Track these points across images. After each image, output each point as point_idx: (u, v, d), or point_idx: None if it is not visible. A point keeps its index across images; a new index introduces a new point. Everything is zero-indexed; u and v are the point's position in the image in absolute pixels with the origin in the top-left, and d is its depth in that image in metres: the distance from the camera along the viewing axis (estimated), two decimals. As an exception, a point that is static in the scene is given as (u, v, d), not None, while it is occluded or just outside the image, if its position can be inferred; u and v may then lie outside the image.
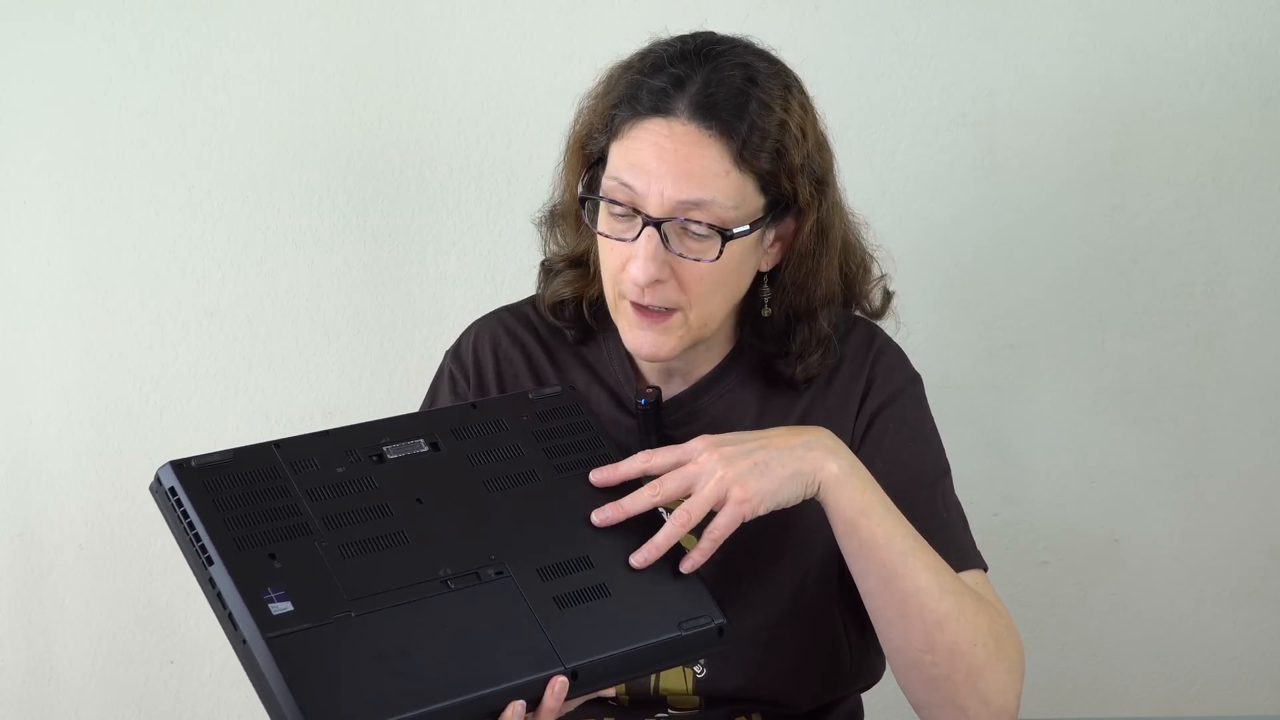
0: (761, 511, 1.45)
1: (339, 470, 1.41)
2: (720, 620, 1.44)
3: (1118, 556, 2.24)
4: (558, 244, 1.71)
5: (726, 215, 1.52)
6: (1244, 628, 2.24)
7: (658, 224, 1.52)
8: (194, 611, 2.26)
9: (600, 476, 1.48)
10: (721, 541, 1.45)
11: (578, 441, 1.53)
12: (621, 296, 1.57)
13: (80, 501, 2.25)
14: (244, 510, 1.35)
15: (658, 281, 1.53)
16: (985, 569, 1.62)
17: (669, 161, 1.51)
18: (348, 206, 2.22)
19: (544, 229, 1.72)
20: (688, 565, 1.45)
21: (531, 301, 1.75)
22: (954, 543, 1.60)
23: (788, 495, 1.46)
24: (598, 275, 1.64)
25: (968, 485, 2.18)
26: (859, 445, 1.63)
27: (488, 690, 1.32)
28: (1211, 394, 2.21)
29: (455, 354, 1.74)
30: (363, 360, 2.24)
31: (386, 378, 2.23)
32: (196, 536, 1.33)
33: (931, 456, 1.65)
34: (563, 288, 1.68)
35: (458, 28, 2.19)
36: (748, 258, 1.58)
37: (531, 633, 1.36)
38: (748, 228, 1.54)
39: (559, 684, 1.34)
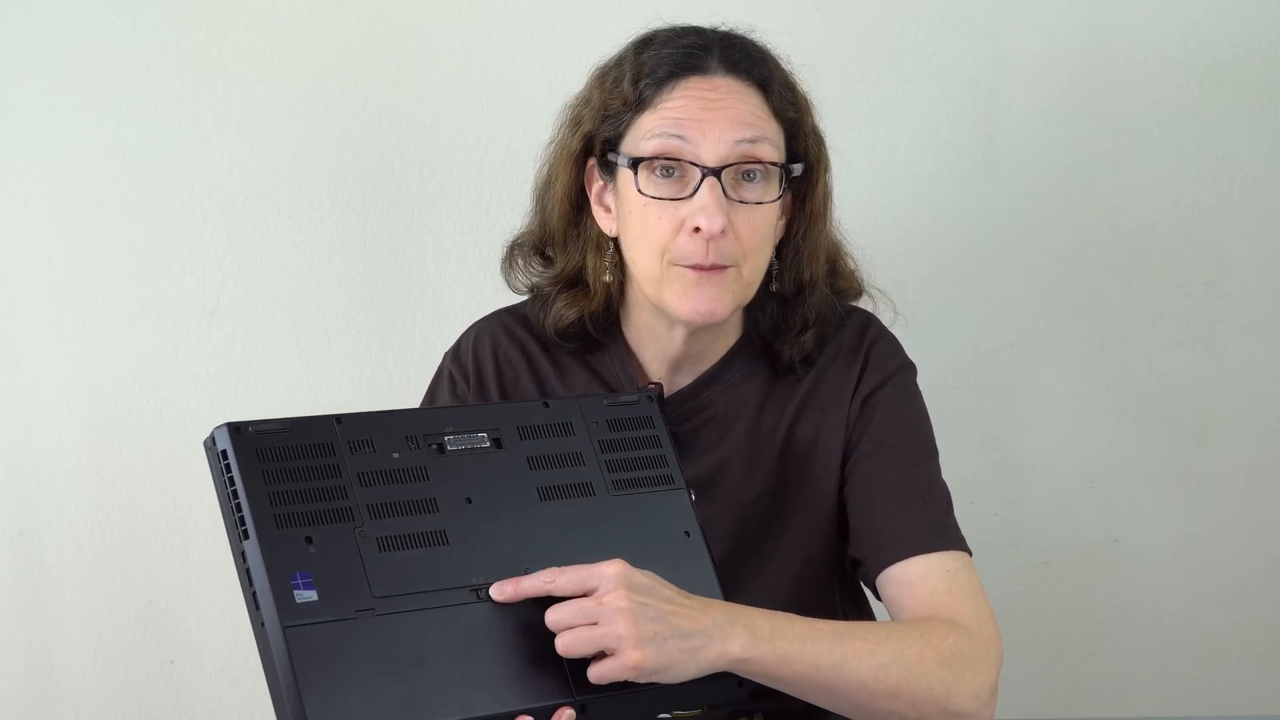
0: (643, 681, 1.35)
1: (395, 456, 1.39)
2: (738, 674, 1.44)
3: (1118, 556, 2.24)
4: (535, 273, 1.70)
5: (777, 156, 1.57)
6: (1244, 628, 2.24)
7: (717, 173, 1.53)
8: (194, 611, 2.26)
9: (502, 592, 1.37)
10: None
11: (642, 457, 1.50)
12: (673, 264, 1.56)
13: (80, 501, 2.25)
14: (291, 486, 1.33)
15: (722, 233, 1.54)
16: (968, 552, 1.60)
17: (718, 109, 1.54)
18: (348, 206, 2.22)
19: (506, 267, 1.71)
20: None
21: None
22: (934, 523, 1.59)
23: (676, 677, 1.36)
24: (596, 290, 1.65)
25: (968, 485, 2.18)
26: (852, 429, 1.64)
27: (494, 712, 1.31)
28: (1211, 394, 2.21)
29: (455, 355, 1.74)
30: (363, 360, 2.24)
31: (386, 378, 2.23)
32: (238, 507, 1.32)
33: (919, 439, 1.65)
34: (566, 310, 1.67)
35: (458, 28, 2.19)
36: (774, 221, 1.61)
37: (549, 658, 1.35)
38: (798, 171, 1.59)
39: (566, 716, 1.34)
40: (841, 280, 1.72)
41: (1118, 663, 2.25)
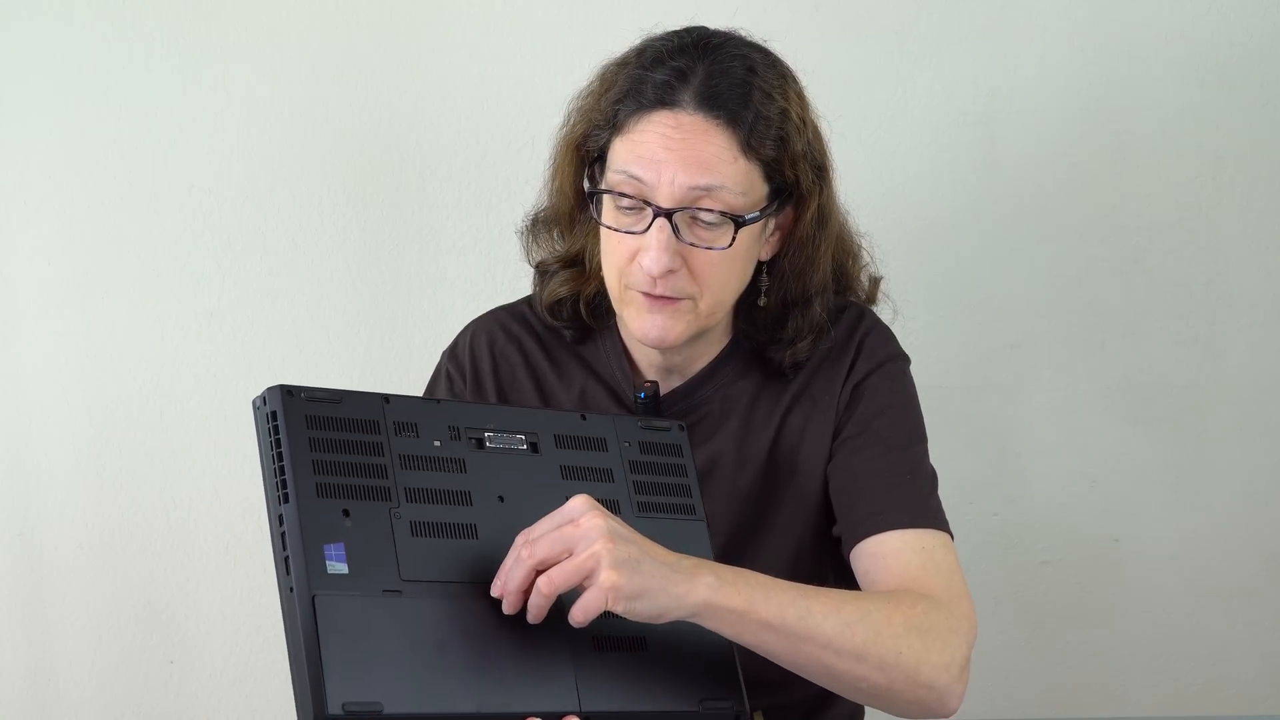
0: (620, 610, 1.33)
1: (436, 444, 1.40)
2: (741, 709, 1.44)
3: (1118, 556, 2.24)
4: (547, 249, 1.71)
5: (735, 202, 1.54)
6: (1244, 628, 2.24)
7: (669, 214, 1.53)
8: (194, 611, 2.26)
9: (510, 606, 1.36)
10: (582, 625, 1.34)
11: (668, 484, 1.51)
12: (628, 287, 1.58)
13: (80, 501, 2.25)
14: (334, 457, 1.34)
15: (670, 272, 1.54)
16: (949, 534, 1.59)
17: (677, 150, 1.52)
18: (348, 206, 2.22)
19: (527, 237, 1.73)
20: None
21: (528, 301, 1.76)
22: (914, 501, 1.59)
23: (651, 607, 1.34)
24: (594, 273, 1.65)
25: (968, 485, 2.19)
26: (840, 415, 1.65)
27: (505, 711, 1.32)
28: (1211, 394, 2.21)
29: (452, 354, 1.74)
30: (363, 360, 2.24)
31: (386, 378, 2.23)
32: (281, 469, 1.32)
33: (906, 426, 1.65)
34: (559, 287, 1.69)
35: (458, 28, 2.20)
36: (753, 246, 1.60)
37: (561, 666, 1.36)
38: (758, 214, 1.56)
39: None
40: (850, 295, 1.73)
41: (1118, 663, 2.25)
